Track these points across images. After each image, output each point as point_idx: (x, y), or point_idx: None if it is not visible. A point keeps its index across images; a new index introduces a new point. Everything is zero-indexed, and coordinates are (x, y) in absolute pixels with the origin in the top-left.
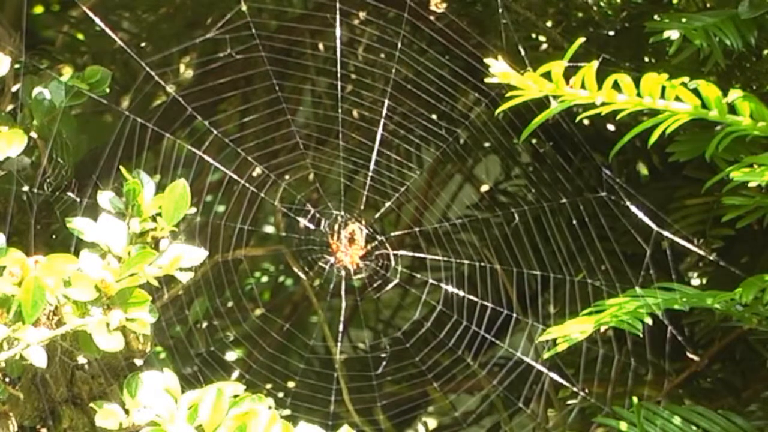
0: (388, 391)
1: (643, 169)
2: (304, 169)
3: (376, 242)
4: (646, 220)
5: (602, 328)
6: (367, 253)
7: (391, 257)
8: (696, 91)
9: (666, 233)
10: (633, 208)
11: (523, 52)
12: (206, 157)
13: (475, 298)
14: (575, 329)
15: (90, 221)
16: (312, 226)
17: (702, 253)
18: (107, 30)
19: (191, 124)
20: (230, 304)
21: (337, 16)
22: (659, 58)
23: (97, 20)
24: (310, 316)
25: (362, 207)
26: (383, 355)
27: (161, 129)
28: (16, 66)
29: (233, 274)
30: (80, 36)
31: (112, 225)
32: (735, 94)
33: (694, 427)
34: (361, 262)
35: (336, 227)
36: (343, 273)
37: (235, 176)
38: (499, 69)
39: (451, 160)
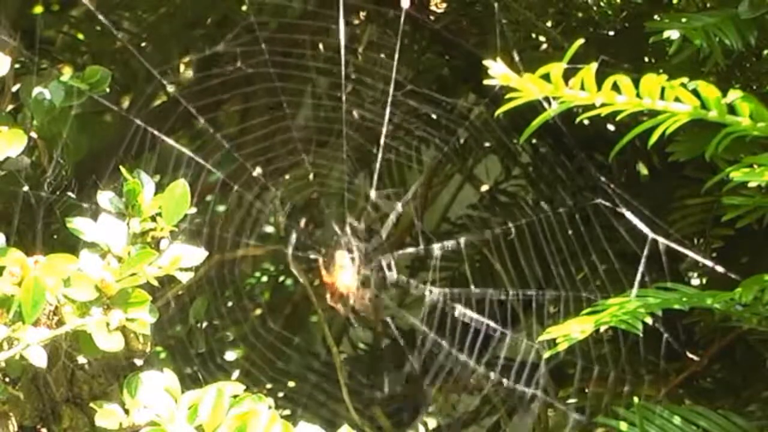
0: (388, 391)
1: (643, 169)
2: (304, 169)
3: (376, 244)
4: (641, 226)
5: (602, 328)
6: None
7: (391, 257)
8: (695, 92)
9: (661, 239)
10: (628, 215)
11: (517, 58)
12: (217, 160)
13: (475, 298)
14: (575, 329)
15: (90, 221)
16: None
17: (700, 258)
18: (111, 28)
19: (191, 124)
20: (230, 303)
21: (340, 15)
22: (659, 58)
23: (101, 18)
24: (310, 316)
25: (363, 208)
26: (383, 354)
27: (160, 130)
28: (16, 66)
29: (233, 273)
30: (80, 36)
31: (112, 225)
32: (735, 95)
33: (694, 427)
34: (359, 290)
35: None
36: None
37: (233, 175)
38: (498, 71)
39: (452, 160)
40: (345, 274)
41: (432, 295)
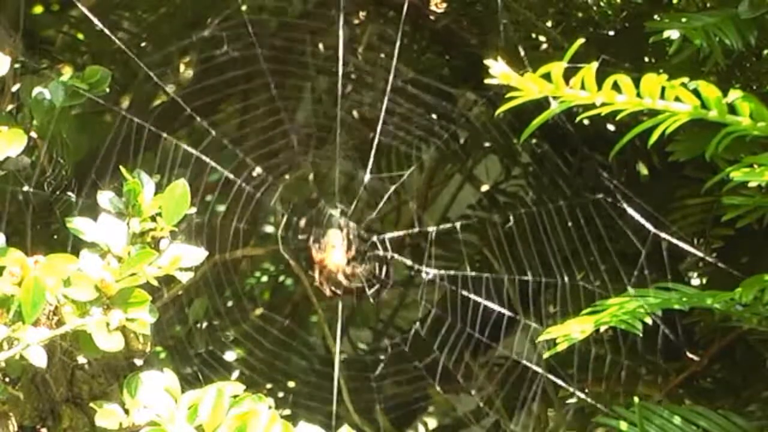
0: (388, 391)
1: (643, 169)
2: (303, 168)
3: (372, 243)
4: (643, 222)
5: (602, 328)
6: (354, 257)
7: (390, 257)
8: (696, 92)
9: (663, 235)
10: (630, 211)
11: (522, 53)
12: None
13: (475, 298)
14: (575, 329)
15: (90, 221)
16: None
17: (700, 254)
18: (107, 32)
19: (191, 124)
20: (230, 303)
21: (341, 13)
22: (659, 58)
23: (96, 20)
24: (310, 316)
25: (361, 207)
26: (383, 355)
27: (160, 129)
28: (16, 66)
29: (233, 274)
30: (80, 36)
31: (112, 225)
32: (735, 94)
33: (694, 427)
34: (349, 268)
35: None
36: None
37: (233, 175)
38: (498, 70)
39: (452, 159)
40: (335, 252)
41: (431, 294)
